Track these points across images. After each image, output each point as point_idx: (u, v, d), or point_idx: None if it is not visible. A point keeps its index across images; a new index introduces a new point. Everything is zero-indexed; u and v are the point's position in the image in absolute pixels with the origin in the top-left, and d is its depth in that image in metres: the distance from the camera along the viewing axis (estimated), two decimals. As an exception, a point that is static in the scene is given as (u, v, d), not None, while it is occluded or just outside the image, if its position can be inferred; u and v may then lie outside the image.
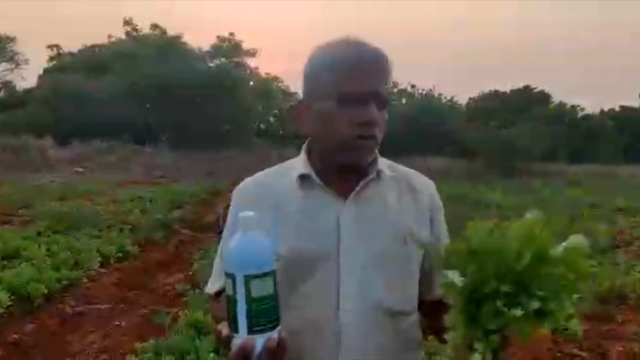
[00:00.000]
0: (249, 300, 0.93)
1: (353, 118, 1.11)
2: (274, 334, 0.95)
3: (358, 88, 1.10)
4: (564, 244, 0.83)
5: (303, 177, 1.19)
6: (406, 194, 1.23)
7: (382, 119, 1.14)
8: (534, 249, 0.82)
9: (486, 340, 0.84)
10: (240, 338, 0.94)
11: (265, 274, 0.94)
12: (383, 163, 1.23)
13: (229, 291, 0.95)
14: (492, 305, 0.82)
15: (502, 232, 0.84)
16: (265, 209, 1.16)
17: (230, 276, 0.94)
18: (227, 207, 1.33)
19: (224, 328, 0.99)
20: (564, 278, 0.82)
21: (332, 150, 1.15)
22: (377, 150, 1.21)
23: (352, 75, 1.11)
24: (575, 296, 0.84)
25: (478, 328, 0.84)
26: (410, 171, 1.30)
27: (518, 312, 0.80)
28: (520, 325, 0.81)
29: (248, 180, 1.27)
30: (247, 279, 0.93)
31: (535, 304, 0.80)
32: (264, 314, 0.94)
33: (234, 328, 0.95)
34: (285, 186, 1.20)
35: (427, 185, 1.28)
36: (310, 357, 1.14)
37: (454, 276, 0.85)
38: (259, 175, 1.27)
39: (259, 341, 0.94)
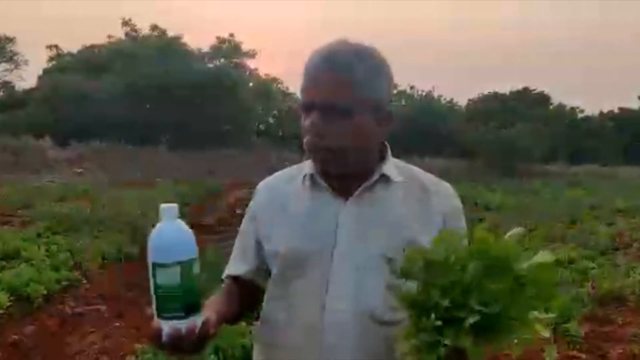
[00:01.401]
0: (155, 286, 0.98)
1: (305, 127, 1.14)
2: (182, 324, 0.97)
3: (306, 97, 1.14)
4: (533, 259, 0.83)
5: (309, 177, 1.22)
6: (415, 198, 1.21)
7: (340, 127, 1.11)
8: (484, 261, 0.81)
9: (432, 353, 0.83)
10: (154, 320, 0.99)
11: (170, 264, 0.97)
12: (392, 166, 1.22)
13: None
14: (433, 318, 0.82)
15: (459, 244, 0.84)
16: (276, 209, 1.23)
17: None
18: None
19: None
20: (522, 294, 0.81)
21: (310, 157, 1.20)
22: (388, 152, 1.23)
23: (306, 84, 1.14)
24: (542, 314, 0.82)
25: (425, 340, 0.84)
26: (426, 175, 1.28)
27: (452, 328, 0.80)
28: (458, 341, 0.80)
29: (267, 181, 1.32)
30: (154, 266, 0.98)
31: (471, 319, 0.79)
32: (170, 301, 0.97)
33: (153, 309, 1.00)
34: (294, 187, 1.23)
35: (442, 190, 1.25)
36: (293, 353, 1.16)
37: (411, 286, 0.85)
38: (276, 175, 1.32)
39: (165, 327, 0.97)
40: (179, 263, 0.97)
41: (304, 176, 1.23)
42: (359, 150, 1.16)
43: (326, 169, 1.18)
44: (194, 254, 1.00)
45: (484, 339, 0.81)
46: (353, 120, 1.12)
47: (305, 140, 1.15)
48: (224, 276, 1.33)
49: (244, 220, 1.32)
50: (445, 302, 0.81)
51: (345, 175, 1.18)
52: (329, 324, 1.14)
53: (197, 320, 0.99)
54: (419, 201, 1.21)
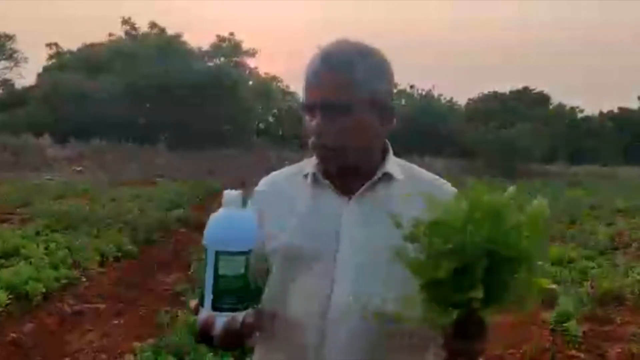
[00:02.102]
0: (216, 276, 0.93)
1: (310, 126, 1.15)
2: (239, 316, 0.94)
3: (309, 98, 1.14)
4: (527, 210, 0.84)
5: (311, 176, 1.22)
6: (418, 197, 1.22)
7: (344, 125, 1.12)
8: (482, 211, 0.81)
9: (443, 316, 0.83)
10: (204, 312, 0.94)
11: (237, 253, 0.93)
12: (394, 165, 1.23)
13: (204, 263, 0.95)
14: (444, 282, 0.82)
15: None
16: (278, 207, 1.22)
17: (205, 248, 0.94)
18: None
19: (195, 301, 0.99)
20: (525, 239, 0.81)
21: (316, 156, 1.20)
22: (390, 151, 1.24)
23: (308, 85, 1.15)
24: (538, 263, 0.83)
25: (437, 306, 0.84)
26: (427, 174, 1.28)
27: (466, 293, 0.79)
28: (469, 294, 0.80)
29: (267, 179, 1.31)
30: (218, 254, 0.93)
31: (482, 265, 0.79)
32: (230, 292, 0.93)
33: (201, 301, 0.95)
34: (297, 185, 1.23)
35: (444, 189, 1.25)
36: (296, 351, 1.16)
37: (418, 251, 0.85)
38: (276, 174, 1.32)
39: (220, 319, 0.93)
40: (245, 253, 0.94)
41: (306, 175, 1.23)
42: (361, 148, 1.17)
43: (327, 167, 1.19)
44: (254, 244, 0.97)
45: (493, 298, 0.81)
46: (354, 118, 1.13)
47: (310, 140, 1.16)
48: None
49: None
50: (452, 262, 0.81)
51: (347, 173, 1.19)
52: (333, 321, 1.14)
53: (249, 316, 0.96)
54: (420, 200, 1.21)
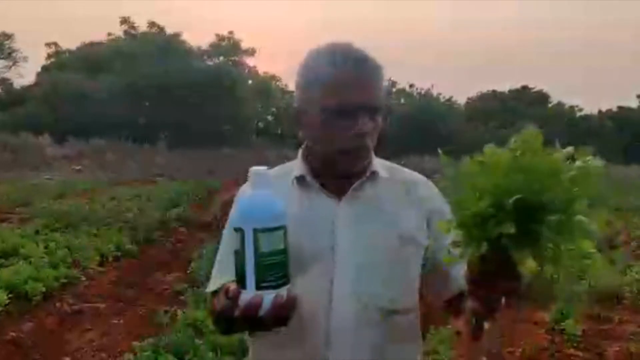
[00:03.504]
0: (258, 254, 0.92)
1: (341, 130, 1.14)
2: (283, 292, 0.93)
3: (342, 102, 1.13)
4: (577, 163, 0.80)
5: (299, 179, 1.23)
6: (403, 195, 1.25)
7: (373, 126, 1.16)
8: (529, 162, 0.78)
9: (475, 245, 0.81)
10: (248, 294, 0.93)
11: (275, 229, 0.93)
12: (379, 164, 1.26)
13: (238, 247, 0.94)
14: (479, 216, 0.79)
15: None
16: None
17: (239, 231, 0.93)
18: (224, 206, 1.34)
19: (232, 285, 0.97)
20: (571, 192, 0.77)
21: (327, 157, 1.19)
22: (372, 152, 1.24)
23: (336, 89, 1.13)
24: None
25: (469, 240, 0.82)
26: (410, 173, 1.31)
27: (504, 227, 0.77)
28: (500, 227, 0.77)
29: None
30: (256, 232, 0.92)
31: (514, 198, 0.76)
32: (273, 269, 0.93)
33: (242, 284, 0.94)
34: (284, 187, 1.22)
35: (426, 188, 1.29)
36: (301, 353, 1.16)
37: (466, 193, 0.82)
38: None
39: (267, 297, 0.92)
40: (281, 227, 0.94)
41: (296, 177, 1.23)
42: (371, 149, 1.20)
43: (353, 168, 1.19)
44: (287, 218, 0.96)
45: (525, 241, 0.78)
46: (378, 119, 1.18)
47: (341, 143, 1.15)
48: (208, 290, 1.27)
49: (226, 230, 1.27)
50: (491, 198, 0.78)
51: (348, 174, 1.20)
52: (337, 321, 1.15)
53: (290, 290, 0.95)
54: (405, 197, 1.24)
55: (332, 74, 1.13)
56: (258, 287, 0.93)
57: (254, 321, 0.93)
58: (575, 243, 0.79)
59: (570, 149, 0.82)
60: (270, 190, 0.96)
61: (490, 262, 0.82)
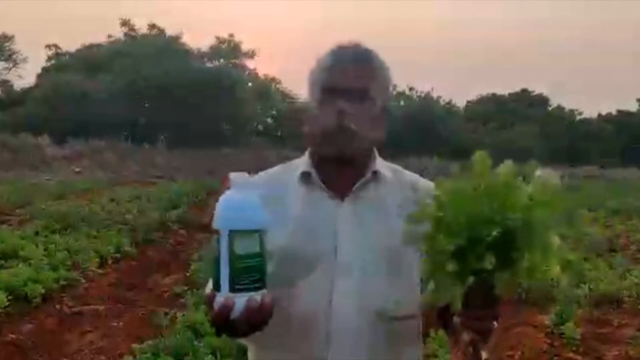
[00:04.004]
0: (232, 256, 0.92)
1: (327, 110, 1.16)
2: (257, 296, 0.93)
3: (332, 83, 1.17)
4: (532, 183, 0.82)
5: (304, 176, 1.23)
6: (404, 194, 1.24)
7: (362, 111, 1.16)
8: (489, 184, 0.81)
9: (452, 288, 0.83)
10: (222, 296, 0.92)
11: (251, 231, 0.93)
12: (382, 164, 1.26)
13: (215, 249, 0.94)
14: (455, 253, 0.81)
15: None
16: (269, 205, 1.19)
17: (216, 232, 0.94)
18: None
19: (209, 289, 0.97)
20: (535, 211, 0.80)
21: (316, 143, 1.21)
22: (375, 151, 1.25)
23: (331, 73, 1.18)
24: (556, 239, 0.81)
25: (447, 278, 0.83)
26: (414, 175, 1.32)
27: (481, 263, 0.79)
28: (478, 263, 0.80)
29: (255, 177, 1.31)
30: (232, 234, 0.92)
31: (493, 233, 0.78)
32: (247, 272, 0.92)
33: (217, 286, 0.94)
34: (289, 184, 1.23)
35: (429, 187, 1.26)
36: (300, 354, 1.16)
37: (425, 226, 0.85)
38: (266, 172, 1.32)
39: (239, 300, 0.92)
40: (258, 231, 0.94)
41: (301, 174, 1.23)
42: (371, 138, 1.20)
43: (338, 151, 1.18)
44: (266, 223, 0.96)
45: (505, 264, 0.80)
46: (370, 105, 1.18)
47: (326, 123, 1.16)
48: (205, 292, 1.30)
49: None
50: (460, 238, 0.81)
51: (344, 162, 1.20)
52: (338, 321, 1.15)
53: (265, 295, 0.95)
54: (408, 198, 1.24)
55: (332, 59, 1.19)
56: (232, 290, 0.92)
57: (226, 325, 0.92)
58: (545, 256, 0.82)
59: (508, 162, 0.85)
60: (252, 194, 0.96)
61: (474, 294, 0.85)
